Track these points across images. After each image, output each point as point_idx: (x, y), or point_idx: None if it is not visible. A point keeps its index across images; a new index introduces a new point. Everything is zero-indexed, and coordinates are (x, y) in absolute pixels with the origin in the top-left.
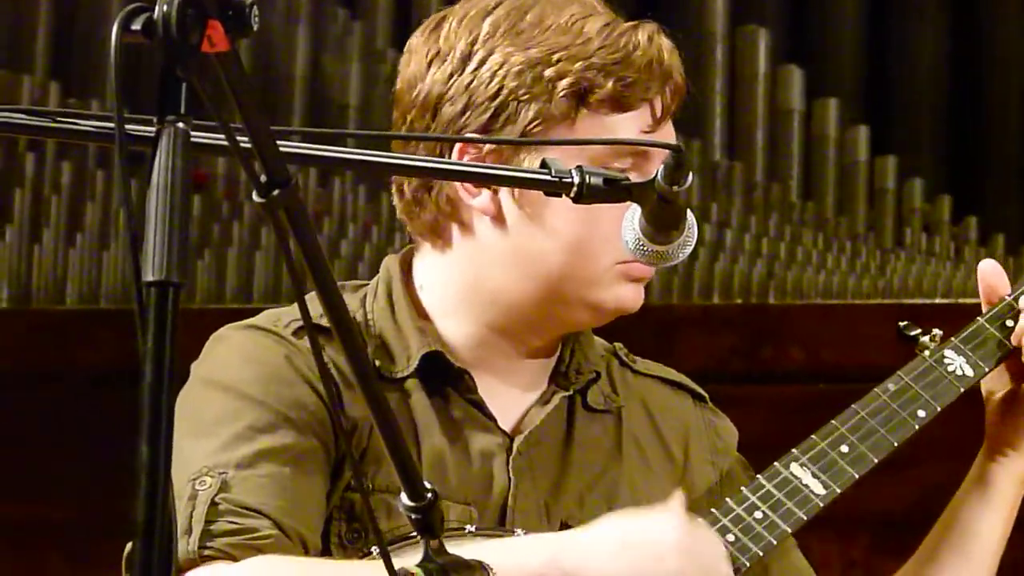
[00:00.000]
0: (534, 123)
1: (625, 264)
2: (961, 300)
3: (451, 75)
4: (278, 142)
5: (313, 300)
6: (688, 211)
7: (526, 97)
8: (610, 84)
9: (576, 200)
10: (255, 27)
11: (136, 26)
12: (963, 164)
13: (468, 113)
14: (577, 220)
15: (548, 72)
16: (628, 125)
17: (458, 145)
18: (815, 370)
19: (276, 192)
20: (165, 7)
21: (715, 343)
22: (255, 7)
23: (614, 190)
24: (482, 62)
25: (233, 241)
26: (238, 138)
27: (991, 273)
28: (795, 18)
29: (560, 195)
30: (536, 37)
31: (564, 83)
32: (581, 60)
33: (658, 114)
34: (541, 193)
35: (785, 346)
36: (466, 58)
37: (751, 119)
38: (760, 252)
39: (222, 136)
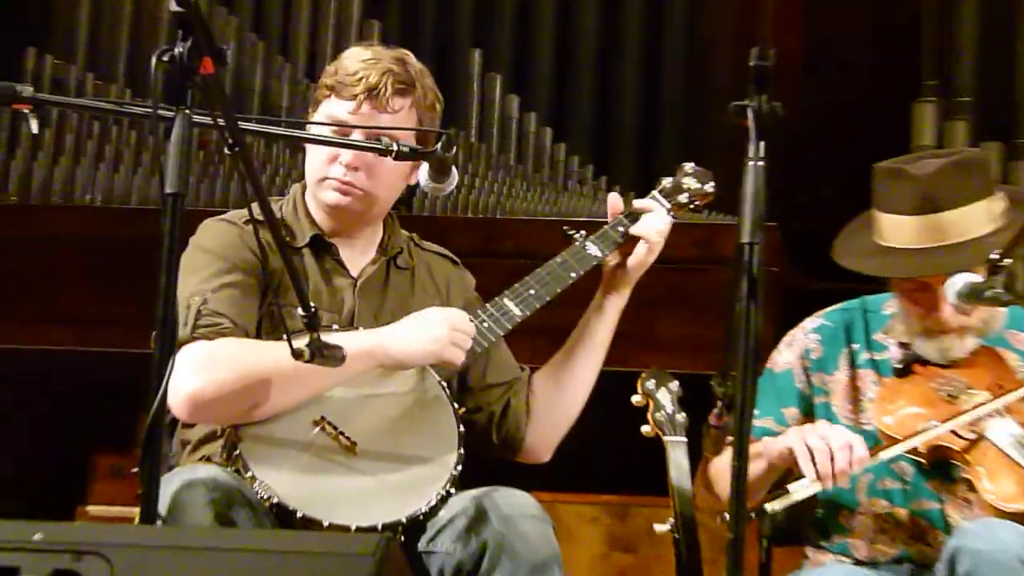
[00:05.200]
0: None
1: (324, 180)
2: (597, 219)
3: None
4: (239, 123)
5: (257, 205)
6: (454, 166)
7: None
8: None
9: (395, 159)
10: (228, 62)
11: (165, 57)
12: (598, 140)
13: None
14: (309, 161)
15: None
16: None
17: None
18: (524, 253)
19: (236, 149)
20: (180, 48)
21: (467, 241)
22: (228, 51)
23: (415, 154)
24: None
25: (221, 176)
26: (218, 119)
27: (614, 203)
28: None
29: (387, 156)
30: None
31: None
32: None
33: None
34: (317, 152)
35: (507, 241)
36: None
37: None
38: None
39: (210, 118)
